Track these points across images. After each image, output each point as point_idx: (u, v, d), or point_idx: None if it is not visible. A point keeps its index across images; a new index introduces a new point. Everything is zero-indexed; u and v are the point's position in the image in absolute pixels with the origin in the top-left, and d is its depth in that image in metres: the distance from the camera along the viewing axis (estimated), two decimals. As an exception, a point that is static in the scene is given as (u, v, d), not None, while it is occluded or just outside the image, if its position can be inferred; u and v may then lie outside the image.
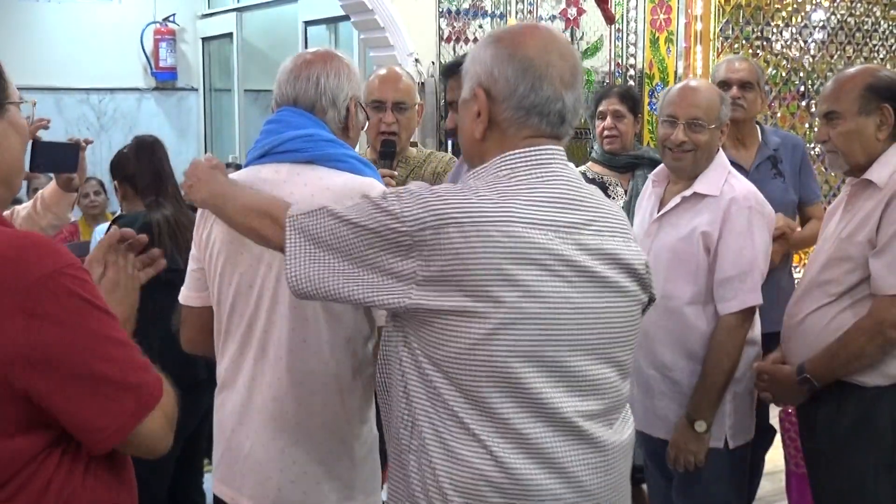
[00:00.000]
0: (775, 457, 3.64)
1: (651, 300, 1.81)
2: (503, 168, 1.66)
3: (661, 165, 2.96)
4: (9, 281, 1.34)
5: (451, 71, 2.70)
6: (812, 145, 5.42)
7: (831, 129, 2.60)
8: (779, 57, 5.48)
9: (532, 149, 1.67)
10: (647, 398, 2.83)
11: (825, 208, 3.20)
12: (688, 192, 2.78)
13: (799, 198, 3.62)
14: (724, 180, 2.77)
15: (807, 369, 2.58)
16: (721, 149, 2.86)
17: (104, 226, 4.12)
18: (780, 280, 3.40)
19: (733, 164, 3.38)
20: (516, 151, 1.67)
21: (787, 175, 3.57)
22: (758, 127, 3.65)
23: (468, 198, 1.59)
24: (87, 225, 5.28)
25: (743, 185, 2.79)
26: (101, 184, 6.17)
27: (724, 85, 3.56)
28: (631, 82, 5.42)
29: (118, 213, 5.99)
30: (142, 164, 3.33)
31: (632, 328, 1.75)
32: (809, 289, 2.64)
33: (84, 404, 1.38)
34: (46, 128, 2.91)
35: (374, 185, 2.03)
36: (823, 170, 5.57)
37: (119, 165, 3.47)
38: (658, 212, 2.87)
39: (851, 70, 2.65)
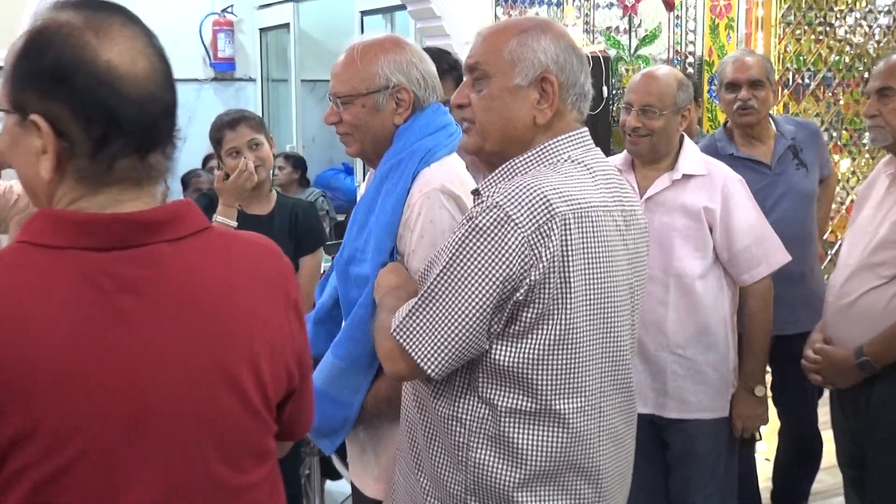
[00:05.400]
0: (834, 450, 3.60)
1: None
2: (561, 152, 1.76)
3: (622, 153, 3.04)
4: (278, 276, 1.34)
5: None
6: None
7: (882, 105, 2.66)
8: (842, 43, 5.39)
9: (579, 132, 1.80)
10: (657, 381, 2.90)
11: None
12: (677, 175, 2.87)
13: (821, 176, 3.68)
14: (701, 160, 2.91)
15: (866, 352, 2.60)
16: (687, 134, 2.99)
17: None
18: None
19: (753, 161, 3.48)
20: (570, 134, 1.78)
21: (809, 165, 3.55)
22: (770, 119, 3.58)
23: (560, 188, 1.67)
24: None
25: (720, 164, 2.96)
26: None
27: (733, 86, 3.50)
28: (690, 70, 5.36)
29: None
30: None
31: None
32: (859, 271, 2.65)
33: (306, 396, 1.43)
34: None
35: None
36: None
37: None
38: (640, 196, 2.93)
39: None
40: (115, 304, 1.17)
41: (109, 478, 1.17)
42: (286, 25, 8.07)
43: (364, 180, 2.62)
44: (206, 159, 5.68)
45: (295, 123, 8.15)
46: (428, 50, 2.86)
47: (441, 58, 3.01)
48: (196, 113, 8.43)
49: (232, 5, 8.52)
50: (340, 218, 6.73)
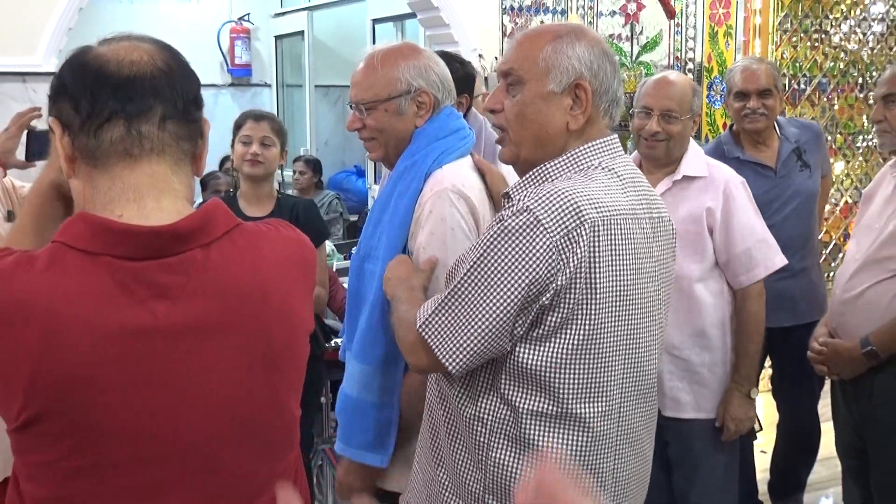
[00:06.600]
0: (830, 442, 3.66)
1: None
2: (592, 158, 1.76)
3: (632, 154, 3.01)
4: (302, 262, 1.36)
5: None
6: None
7: (888, 111, 2.73)
8: (837, 49, 5.47)
9: (609, 138, 1.79)
10: None
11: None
12: (678, 176, 2.88)
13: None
14: (704, 162, 2.90)
15: (872, 342, 2.64)
16: (692, 138, 2.97)
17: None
18: None
19: (758, 165, 3.49)
20: (601, 141, 1.77)
21: (812, 165, 3.60)
22: (774, 123, 3.62)
23: (591, 194, 1.67)
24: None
25: (723, 166, 2.96)
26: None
27: (742, 95, 3.51)
28: (689, 76, 5.49)
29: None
30: None
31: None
32: (867, 265, 2.69)
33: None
34: (40, 116, 2.92)
35: None
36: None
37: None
38: None
39: None
40: (148, 310, 1.19)
41: (144, 478, 1.21)
42: (301, 33, 8.17)
43: (377, 182, 2.71)
44: (223, 161, 5.82)
45: (309, 127, 8.24)
46: (441, 54, 2.99)
47: (449, 61, 3.12)
48: (213, 117, 8.40)
49: (248, 14, 8.65)
50: (353, 218, 6.87)
